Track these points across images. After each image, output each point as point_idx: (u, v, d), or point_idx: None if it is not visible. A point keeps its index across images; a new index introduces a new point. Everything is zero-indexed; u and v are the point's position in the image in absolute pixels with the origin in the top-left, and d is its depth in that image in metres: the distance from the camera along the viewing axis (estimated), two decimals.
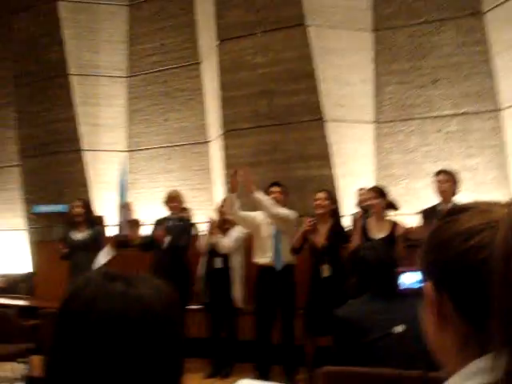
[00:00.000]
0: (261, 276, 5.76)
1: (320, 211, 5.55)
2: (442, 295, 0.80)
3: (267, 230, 5.78)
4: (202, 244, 6.06)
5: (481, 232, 0.77)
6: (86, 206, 6.43)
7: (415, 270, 4.08)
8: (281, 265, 5.65)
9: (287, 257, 5.69)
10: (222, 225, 6.01)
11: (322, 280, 5.37)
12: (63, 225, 6.48)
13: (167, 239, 6.07)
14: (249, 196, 5.58)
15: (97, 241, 6.26)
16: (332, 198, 5.67)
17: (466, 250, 0.77)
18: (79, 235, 6.26)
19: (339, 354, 2.36)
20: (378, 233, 5.26)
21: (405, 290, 3.99)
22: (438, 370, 1.73)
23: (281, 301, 5.63)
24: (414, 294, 3.91)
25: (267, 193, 5.82)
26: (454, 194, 5.28)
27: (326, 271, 5.39)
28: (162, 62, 9.47)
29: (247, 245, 6.20)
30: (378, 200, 5.33)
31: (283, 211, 5.66)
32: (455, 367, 0.80)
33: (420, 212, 5.59)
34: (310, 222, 5.43)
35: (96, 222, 6.53)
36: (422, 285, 0.87)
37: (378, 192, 5.41)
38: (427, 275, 0.84)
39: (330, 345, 5.70)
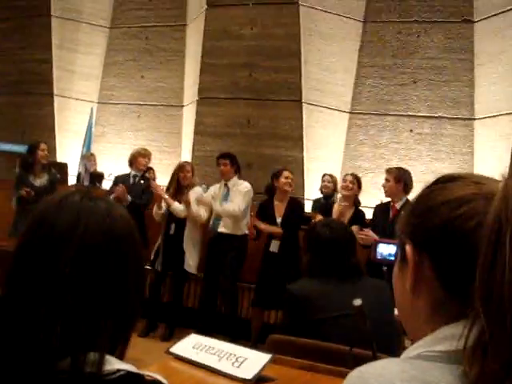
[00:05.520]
0: (209, 242, 5.87)
1: (287, 189, 5.63)
2: (422, 259, 0.80)
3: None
4: (178, 206, 5.97)
5: (471, 201, 0.78)
6: (49, 150, 6.27)
7: (391, 243, 4.17)
8: (216, 230, 5.73)
9: (228, 225, 5.74)
10: (179, 190, 5.96)
11: (271, 254, 5.44)
12: (19, 168, 6.23)
13: (129, 197, 5.98)
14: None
15: (53, 186, 6.13)
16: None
17: (455, 218, 0.77)
18: (38, 181, 6.09)
19: (288, 328, 2.37)
20: (341, 218, 5.28)
21: (381, 260, 4.09)
22: (385, 352, 1.76)
23: (222, 268, 5.68)
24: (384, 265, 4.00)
25: (218, 164, 5.87)
26: (400, 192, 5.14)
27: (274, 246, 5.46)
28: (147, 17, 9.28)
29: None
30: (355, 186, 5.38)
31: (228, 208, 5.69)
32: (424, 333, 0.80)
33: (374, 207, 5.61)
34: (252, 234, 5.60)
35: (50, 167, 6.35)
36: (395, 257, 0.87)
37: (357, 180, 5.45)
38: (409, 239, 0.84)
39: (276, 322, 5.83)
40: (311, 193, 7.35)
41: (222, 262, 5.66)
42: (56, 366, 0.84)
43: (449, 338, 0.74)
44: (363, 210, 5.62)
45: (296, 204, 5.75)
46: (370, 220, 5.38)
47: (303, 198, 7.15)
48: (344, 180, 5.57)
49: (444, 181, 0.84)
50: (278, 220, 5.56)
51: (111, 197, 6.07)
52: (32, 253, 0.89)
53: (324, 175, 7.03)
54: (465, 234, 0.76)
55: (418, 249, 0.81)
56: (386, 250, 4.14)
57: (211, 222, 5.85)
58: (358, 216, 5.37)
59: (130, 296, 0.93)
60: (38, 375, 0.83)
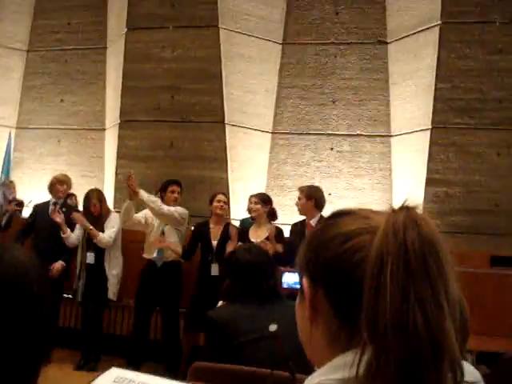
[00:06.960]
0: (144, 271, 5.74)
1: (219, 212, 5.65)
2: (317, 291, 0.84)
3: (156, 227, 5.77)
4: (72, 238, 5.84)
5: (359, 235, 0.82)
6: None
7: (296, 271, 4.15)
8: (160, 262, 5.64)
9: (171, 254, 5.68)
10: (95, 220, 5.84)
11: (211, 278, 5.40)
12: None
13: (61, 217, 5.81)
14: (134, 197, 5.56)
15: None
16: (226, 202, 5.83)
17: (343, 252, 0.81)
18: None
19: (211, 354, 2.37)
20: (257, 238, 5.37)
21: (286, 289, 4.10)
22: (309, 371, 1.79)
23: (162, 298, 5.60)
24: (289, 295, 4.03)
25: (166, 190, 5.81)
26: (312, 209, 5.34)
27: (215, 269, 5.44)
28: (66, 41, 9.13)
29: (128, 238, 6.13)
30: (259, 206, 5.48)
31: (169, 210, 5.64)
32: (323, 361, 0.83)
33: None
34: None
35: None
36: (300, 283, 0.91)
37: (262, 199, 5.56)
38: (305, 271, 0.87)
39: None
40: (237, 213, 7.38)
41: (159, 290, 5.60)
42: None
43: (343, 366, 0.77)
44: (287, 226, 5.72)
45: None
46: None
47: (229, 219, 7.17)
48: (250, 202, 5.69)
49: (338, 215, 0.88)
50: (214, 243, 5.57)
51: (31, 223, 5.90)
52: None
53: (251, 197, 7.08)
54: (352, 266, 0.80)
55: (313, 281, 0.85)
56: (292, 278, 4.16)
57: (155, 253, 5.74)
58: (277, 234, 5.45)
59: (28, 337, 0.92)
60: None
